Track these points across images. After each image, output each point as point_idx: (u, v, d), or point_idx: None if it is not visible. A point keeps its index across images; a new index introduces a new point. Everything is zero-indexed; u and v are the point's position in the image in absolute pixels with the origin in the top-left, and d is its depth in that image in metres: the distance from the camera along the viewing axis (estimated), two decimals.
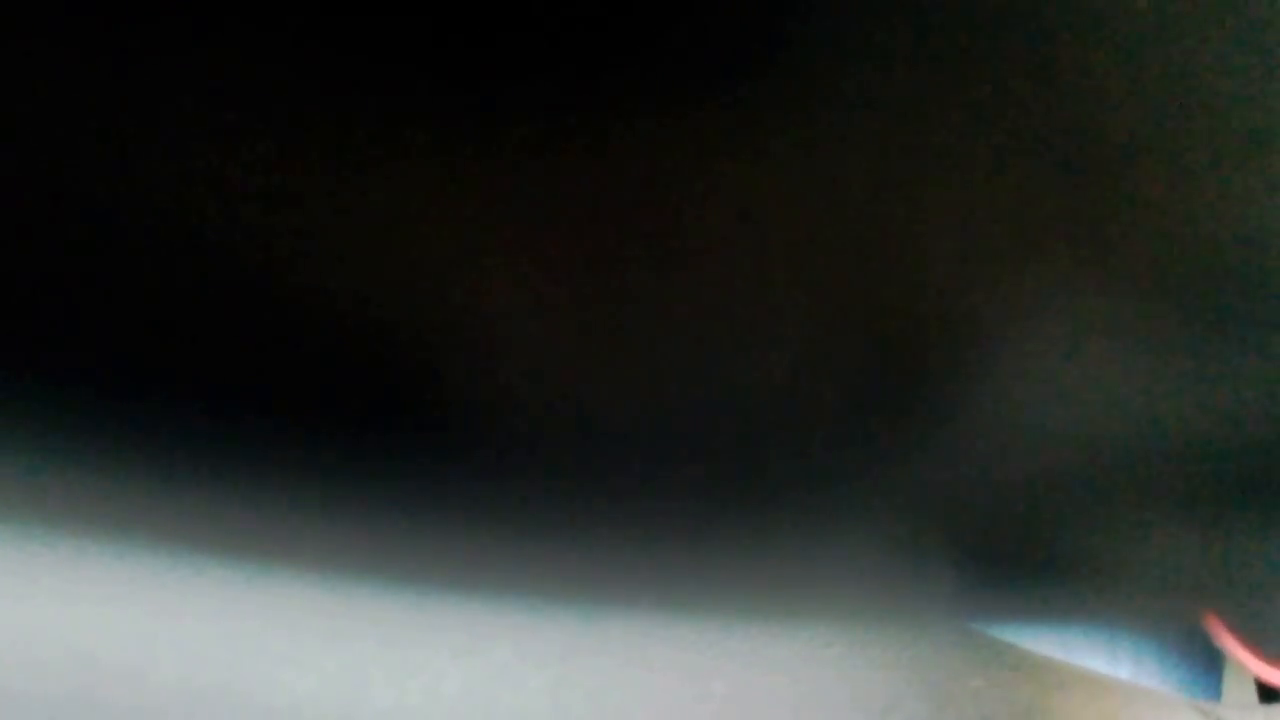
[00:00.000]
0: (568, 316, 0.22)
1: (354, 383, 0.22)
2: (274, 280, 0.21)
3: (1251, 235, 0.23)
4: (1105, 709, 0.35)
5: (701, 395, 0.23)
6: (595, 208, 0.20)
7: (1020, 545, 0.29)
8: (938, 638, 0.32)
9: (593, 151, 0.19)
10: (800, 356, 0.23)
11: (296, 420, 0.23)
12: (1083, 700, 0.35)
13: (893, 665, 0.31)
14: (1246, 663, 0.34)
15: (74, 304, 0.21)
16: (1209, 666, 0.44)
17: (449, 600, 0.27)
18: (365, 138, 0.19)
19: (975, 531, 0.28)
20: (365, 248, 0.20)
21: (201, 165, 0.19)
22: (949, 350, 0.24)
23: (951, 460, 0.26)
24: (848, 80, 0.19)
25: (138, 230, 0.20)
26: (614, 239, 0.21)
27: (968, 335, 0.23)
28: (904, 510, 0.27)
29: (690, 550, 0.27)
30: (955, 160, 0.20)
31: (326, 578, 0.26)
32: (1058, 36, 0.19)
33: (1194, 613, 0.33)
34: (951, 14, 0.18)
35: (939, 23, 0.18)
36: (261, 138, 0.19)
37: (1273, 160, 0.22)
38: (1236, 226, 0.22)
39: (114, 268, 0.20)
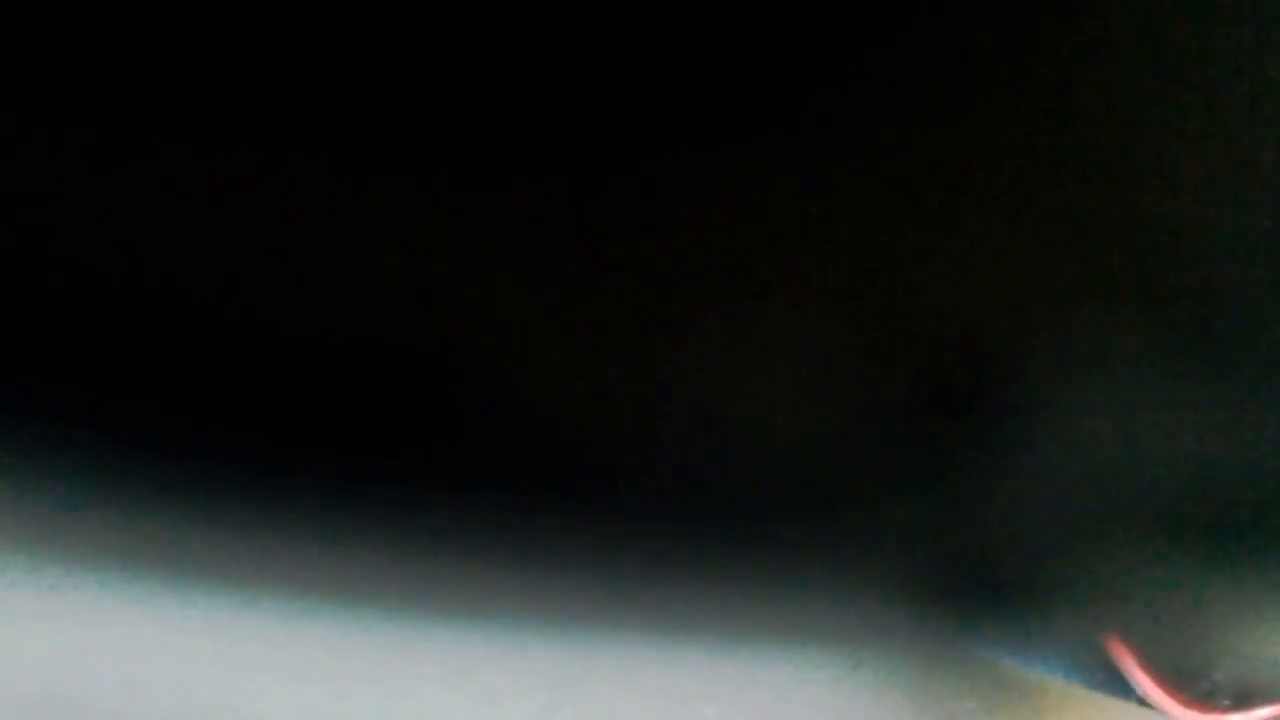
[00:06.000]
0: (567, 341, 0.22)
1: (348, 412, 0.22)
2: (269, 304, 0.21)
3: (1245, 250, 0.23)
4: None
5: (700, 422, 0.23)
6: (605, 229, 0.20)
7: (1012, 571, 0.29)
8: (932, 660, 0.31)
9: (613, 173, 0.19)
10: (802, 386, 0.23)
11: (288, 448, 0.23)
12: None
13: (887, 687, 0.31)
14: (1149, 691, 0.34)
15: (71, 326, 0.21)
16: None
17: (439, 625, 0.26)
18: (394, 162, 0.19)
19: (969, 559, 0.28)
20: (367, 271, 0.20)
21: (217, 184, 0.19)
22: (951, 384, 0.24)
23: (949, 490, 0.26)
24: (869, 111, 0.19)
25: (134, 250, 0.20)
26: (622, 261, 0.20)
27: (971, 369, 0.23)
28: (898, 537, 0.27)
29: (684, 574, 0.27)
30: (977, 198, 0.20)
31: (316, 603, 0.26)
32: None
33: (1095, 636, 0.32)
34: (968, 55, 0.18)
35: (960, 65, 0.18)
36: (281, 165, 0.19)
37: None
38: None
39: (115, 287, 0.20)
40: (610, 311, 0.22)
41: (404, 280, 0.21)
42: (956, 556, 0.29)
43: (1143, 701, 0.33)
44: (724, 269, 0.21)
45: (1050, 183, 0.21)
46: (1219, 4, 0.19)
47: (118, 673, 0.26)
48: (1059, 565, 0.29)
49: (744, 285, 0.21)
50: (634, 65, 0.18)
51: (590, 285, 0.21)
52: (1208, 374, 0.25)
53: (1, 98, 0.17)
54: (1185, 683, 0.32)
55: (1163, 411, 0.25)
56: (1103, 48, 0.19)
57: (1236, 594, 0.31)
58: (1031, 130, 0.20)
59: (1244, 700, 0.33)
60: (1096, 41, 0.19)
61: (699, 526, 0.26)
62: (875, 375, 0.23)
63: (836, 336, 0.22)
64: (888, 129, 0.19)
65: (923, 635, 0.31)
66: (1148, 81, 0.20)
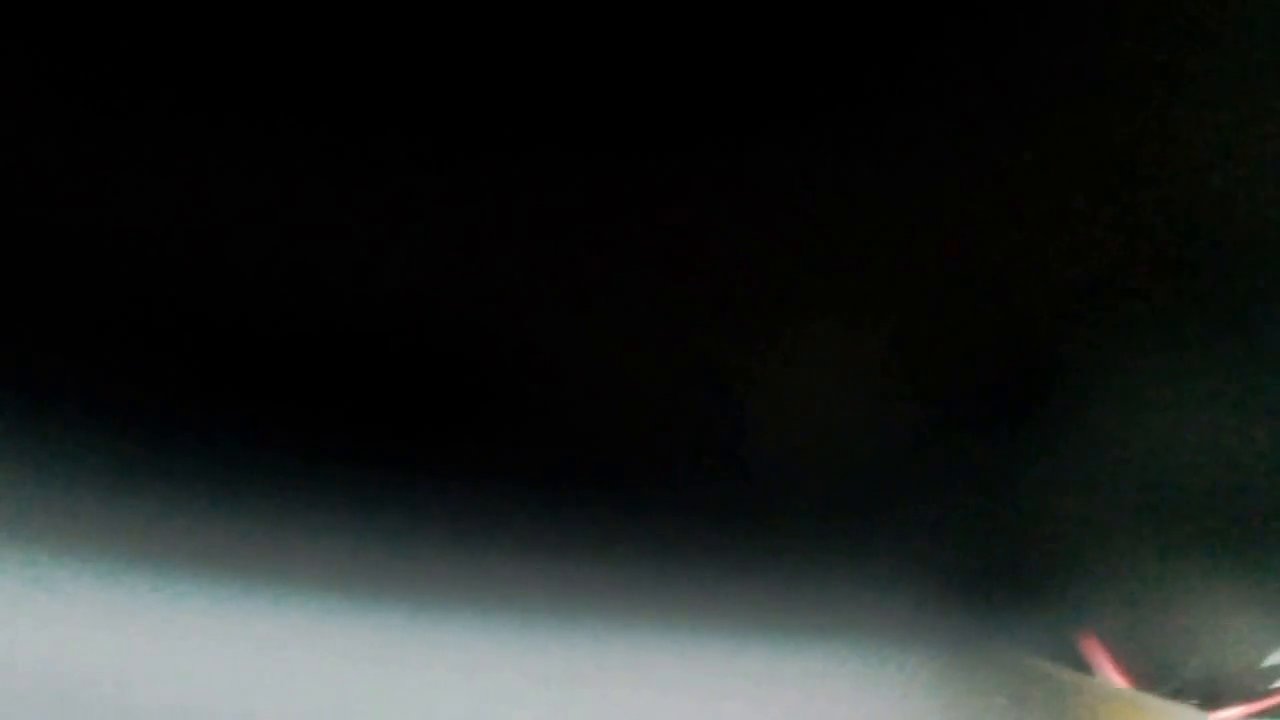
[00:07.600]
0: (599, 341, 0.22)
1: (355, 408, 0.22)
2: (276, 298, 0.20)
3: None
4: None
5: (727, 422, 0.23)
6: (657, 240, 0.20)
7: (1020, 569, 0.29)
8: (958, 654, 0.31)
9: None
10: (820, 380, 0.23)
11: (295, 442, 0.22)
12: (1105, 715, 0.35)
13: (911, 682, 0.30)
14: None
15: (79, 321, 0.20)
16: None
17: (451, 620, 0.26)
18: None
19: (986, 556, 0.28)
20: (416, 271, 0.20)
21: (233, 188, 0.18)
22: (963, 381, 0.23)
23: (970, 495, 0.26)
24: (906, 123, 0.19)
25: (148, 246, 0.19)
26: (671, 268, 0.20)
27: (987, 369, 0.23)
28: (927, 537, 0.27)
29: (703, 568, 0.26)
30: (1020, 214, 0.20)
31: (325, 599, 0.25)
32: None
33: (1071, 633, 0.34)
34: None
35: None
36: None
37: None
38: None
39: (121, 284, 0.20)
40: (647, 315, 0.21)
41: (445, 278, 0.20)
42: (978, 555, 0.29)
43: None
44: (774, 278, 0.21)
45: (1089, 196, 0.20)
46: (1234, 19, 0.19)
47: (127, 668, 0.25)
48: (1049, 566, 0.29)
49: (790, 294, 0.21)
50: (695, 80, 0.18)
51: (629, 289, 0.21)
52: (1190, 386, 0.25)
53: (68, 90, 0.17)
54: (1155, 681, 0.33)
55: (1138, 427, 0.25)
56: (1143, 58, 0.19)
57: (1207, 596, 0.31)
58: (1067, 146, 0.20)
59: (1212, 699, 0.34)
60: (1134, 54, 0.19)
61: (727, 524, 0.25)
62: (906, 392, 0.23)
63: (868, 351, 0.22)
64: (922, 145, 0.19)
65: (953, 631, 0.30)
66: (1186, 86, 0.19)
